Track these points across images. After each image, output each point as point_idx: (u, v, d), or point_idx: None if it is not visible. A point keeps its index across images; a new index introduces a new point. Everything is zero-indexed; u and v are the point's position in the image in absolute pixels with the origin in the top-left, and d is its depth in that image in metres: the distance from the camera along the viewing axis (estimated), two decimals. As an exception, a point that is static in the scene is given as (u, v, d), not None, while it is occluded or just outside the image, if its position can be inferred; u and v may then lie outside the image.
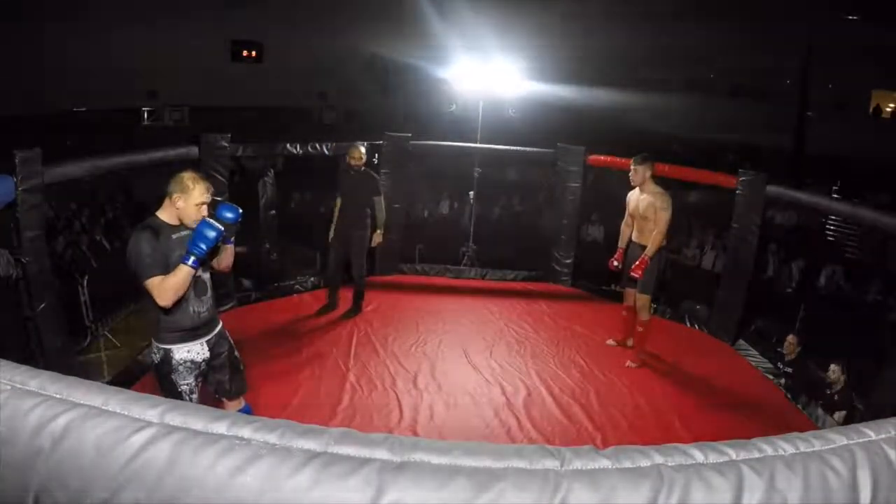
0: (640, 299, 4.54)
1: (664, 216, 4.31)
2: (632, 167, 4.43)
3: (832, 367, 4.09)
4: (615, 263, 4.71)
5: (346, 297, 5.37)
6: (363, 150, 5.11)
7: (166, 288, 2.34)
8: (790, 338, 4.67)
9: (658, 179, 4.50)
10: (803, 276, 6.80)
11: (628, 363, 4.64)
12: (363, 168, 5.07)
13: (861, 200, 6.94)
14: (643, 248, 4.45)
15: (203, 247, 2.33)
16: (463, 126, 7.60)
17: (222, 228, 2.39)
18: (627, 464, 0.75)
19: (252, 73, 12.91)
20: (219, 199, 2.62)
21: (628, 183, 4.59)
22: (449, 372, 4.40)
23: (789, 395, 4.42)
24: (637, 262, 4.36)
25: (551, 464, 0.74)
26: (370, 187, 5.05)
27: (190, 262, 2.33)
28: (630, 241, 4.63)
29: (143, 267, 2.34)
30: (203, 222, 2.36)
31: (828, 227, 8.40)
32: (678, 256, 7.19)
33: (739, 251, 5.23)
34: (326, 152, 5.68)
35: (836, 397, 4.06)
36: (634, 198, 4.54)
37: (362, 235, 5.08)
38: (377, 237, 5.12)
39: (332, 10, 12.48)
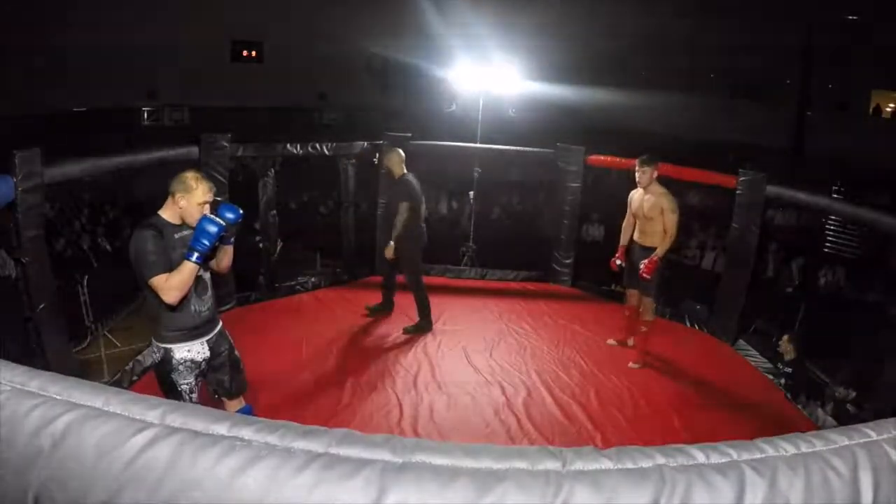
0: (644, 301, 4.54)
1: (673, 218, 4.27)
2: (638, 168, 4.40)
3: (784, 338, 4.13)
4: (617, 262, 4.69)
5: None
6: (402, 153, 4.86)
7: (171, 286, 2.34)
8: (785, 338, 4.66)
9: (659, 179, 4.48)
10: (803, 276, 6.80)
11: (631, 364, 4.63)
12: (403, 172, 4.84)
13: (861, 200, 6.94)
14: (645, 248, 4.44)
15: (206, 242, 2.34)
16: (463, 126, 7.60)
17: (223, 223, 2.40)
18: (629, 464, 0.74)
19: (252, 73, 12.90)
20: (219, 199, 2.62)
21: (629, 182, 4.58)
22: (449, 372, 4.40)
23: (789, 395, 4.42)
24: (646, 264, 4.31)
25: (553, 465, 0.74)
26: (401, 194, 4.78)
27: (194, 258, 2.34)
28: (631, 240, 4.62)
29: (148, 265, 2.34)
30: (204, 218, 2.37)
31: (828, 227, 8.40)
32: (678, 256, 7.19)
33: (739, 251, 5.22)
34: (326, 152, 5.68)
35: (849, 407, 4.01)
36: (637, 197, 4.51)
37: (408, 247, 4.81)
38: (388, 250, 4.76)
39: (331, 10, 12.48)
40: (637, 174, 4.42)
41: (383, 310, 5.29)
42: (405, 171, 4.87)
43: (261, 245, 5.67)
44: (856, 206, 4.73)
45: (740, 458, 0.77)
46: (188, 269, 2.36)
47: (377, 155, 6.11)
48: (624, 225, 4.70)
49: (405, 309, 5.52)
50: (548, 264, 6.52)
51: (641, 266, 4.34)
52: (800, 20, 11.77)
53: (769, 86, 13.68)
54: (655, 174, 4.38)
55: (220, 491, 0.70)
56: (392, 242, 4.73)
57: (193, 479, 0.71)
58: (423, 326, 5.03)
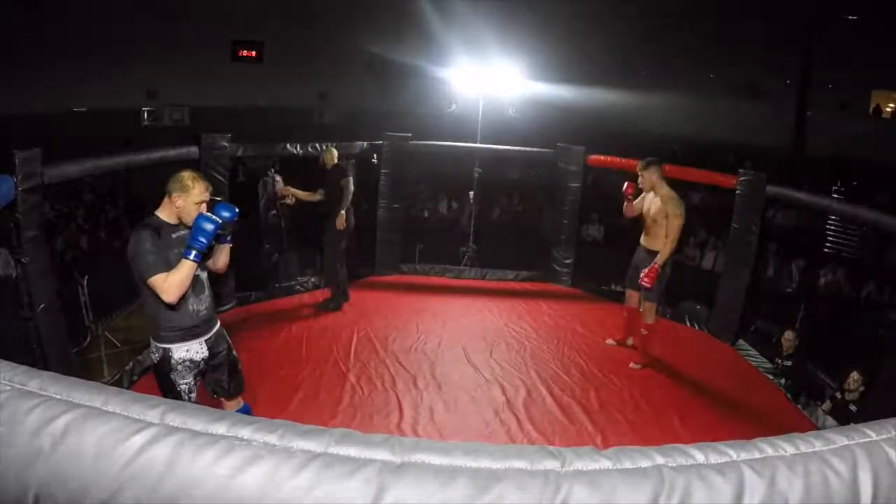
0: (645, 305, 4.51)
1: (677, 224, 4.21)
2: (639, 173, 4.36)
3: (853, 375, 4.01)
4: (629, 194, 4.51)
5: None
6: (335, 152, 5.26)
7: (171, 284, 2.35)
8: (788, 333, 4.64)
9: (668, 181, 4.41)
10: (803, 276, 6.80)
11: (632, 364, 4.63)
12: (337, 164, 5.23)
13: (861, 200, 6.93)
14: (650, 252, 4.40)
15: (203, 240, 2.35)
16: (463, 126, 7.60)
17: (220, 221, 2.40)
18: (628, 464, 0.74)
19: (252, 73, 12.90)
20: (217, 198, 2.63)
21: (630, 182, 4.56)
22: (449, 372, 4.40)
23: (789, 395, 4.42)
24: (647, 271, 4.27)
25: (552, 464, 0.74)
26: (339, 174, 5.15)
27: (192, 256, 2.35)
28: (639, 242, 4.58)
29: (147, 265, 2.34)
30: (200, 216, 2.38)
31: (828, 227, 8.39)
32: (678, 256, 7.18)
33: (739, 251, 5.23)
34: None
35: (852, 406, 3.99)
36: (648, 199, 4.45)
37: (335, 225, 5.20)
38: (340, 219, 5.12)
39: (331, 10, 12.47)
40: (639, 180, 4.39)
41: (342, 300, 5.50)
42: (336, 162, 5.23)
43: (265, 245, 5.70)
44: (856, 206, 4.73)
45: (739, 458, 0.77)
46: (187, 267, 2.36)
47: (376, 155, 6.12)
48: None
49: (396, 308, 5.53)
50: (548, 264, 6.52)
51: (642, 274, 4.31)
52: (800, 20, 11.77)
53: (769, 86, 13.68)
54: (656, 176, 4.33)
55: (220, 490, 0.70)
56: (342, 212, 5.06)
57: (193, 479, 0.71)
58: (332, 305, 5.34)
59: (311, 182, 5.50)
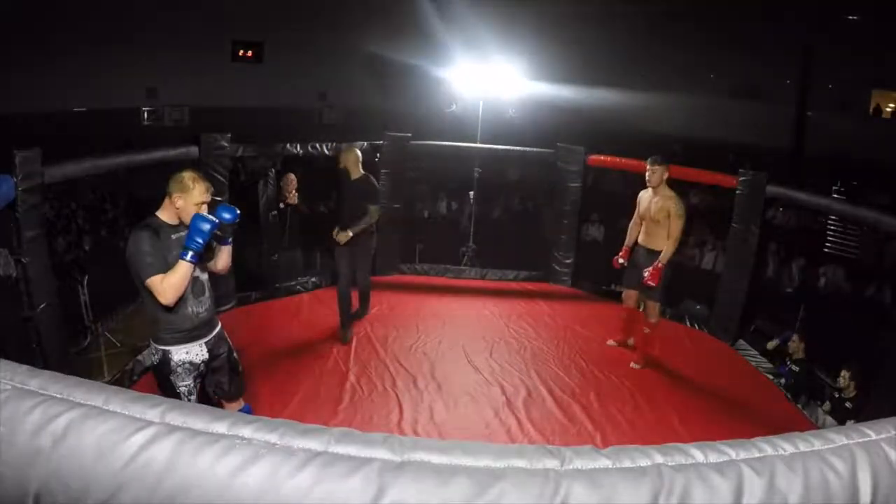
0: (649, 305, 4.50)
1: (679, 224, 4.23)
2: (648, 167, 4.36)
3: (843, 373, 4.04)
4: (620, 261, 4.65)
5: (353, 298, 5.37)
6: (359, 153, 4.66)
7: (168, 286, 2.34)
8: (795, 337, 4.63)
9: (668, 182, 4.41)
10: (803, 276, 6.80)
11: (632, 364, 4.63)
12: (363, 173, 4.64)
13: (861, 200, 6.93)
14: (650, 251, 4.40)
15: (199, 241, 2.33)
16: (463, 126, 7.60)
17: (216, 221, 2.39)
18: (628, 463, 0.75)
19: (252, 73, 12.90)
20: (218, 199, 2.62)
21: (628, 182, 4.58)
22: (449, 372, 4.40)
23: (789, 395, 4.42)
24: (651, 271, 4.27)
25: (552, 463, 0.74)
26: (369, 196, 4.60)
27: (188, 257, 2.33)
28: (637, 242, 4.58)
29: (144, 266, 2.34)
30: (196, 216, 2.36)
31: (828, 227, 8.39)
32: (678, 256, 7.18)
33: (739, 251, 5.23)
34: (326, 152, 5.68)
35: (847, 404, 4.00)
36: (646, 198, 4.46)
37: (369, 243, 4.87)
38: (343, 236, 4.56)
39: (332, 10, 12.47)
40: (647, 173, 4.38)
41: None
42: (362, 171, 4.64)
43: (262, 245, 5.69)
44: (856, 206, 4.73)
45: (738, 458, 0.77)
46: (183, 268, 2.35)
47: (378, 155, 6.12)
48: (631, 224, 4.66)
49: (396, 308, 5.53)
50: (548, 264, 6.52)
51: (646, 273, 4.29)
52: (800, 20, 11.77)
53: (769, 86, 13.68)
54: (666, 175, 4.34)
55: (220, 489, 0.70)
56: (350, 232, 4.51)
57: (193, 478, 0.71)
58: (362, 312, 5.24)
59: (311, 179, 5.47)
